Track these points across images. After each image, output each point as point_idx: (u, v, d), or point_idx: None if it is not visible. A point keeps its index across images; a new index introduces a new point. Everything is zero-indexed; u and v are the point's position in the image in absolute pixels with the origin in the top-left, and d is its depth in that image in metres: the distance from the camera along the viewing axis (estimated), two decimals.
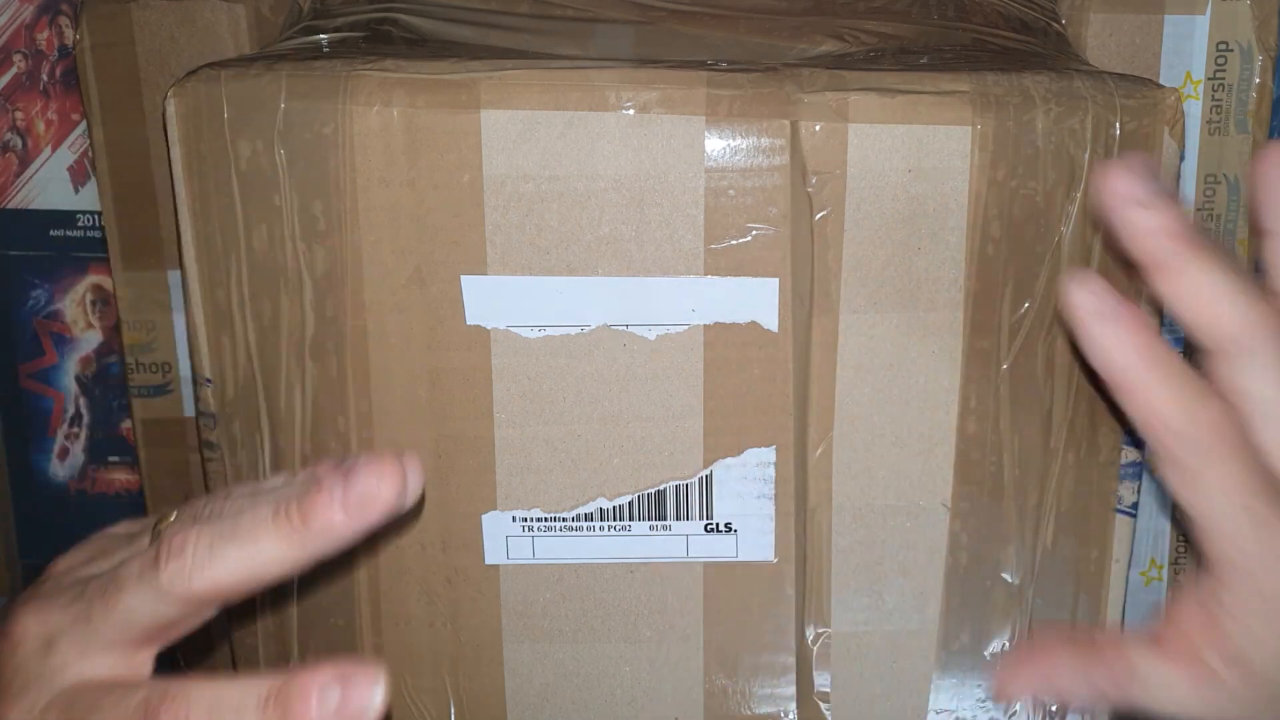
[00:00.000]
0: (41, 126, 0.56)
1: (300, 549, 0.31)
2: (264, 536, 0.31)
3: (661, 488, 0.42)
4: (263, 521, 0.31)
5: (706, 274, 0.40)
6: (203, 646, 0.56)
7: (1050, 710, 0.45)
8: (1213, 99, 0.50)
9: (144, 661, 0.32)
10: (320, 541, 0.31)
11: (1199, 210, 0.51)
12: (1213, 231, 0.52)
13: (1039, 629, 0.39)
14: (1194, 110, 0.50)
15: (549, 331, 0.40)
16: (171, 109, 0.39)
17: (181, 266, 0.40)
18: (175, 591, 0.31)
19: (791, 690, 0.45)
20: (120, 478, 0.60)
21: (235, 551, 0.31)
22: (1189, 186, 0.51)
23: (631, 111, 0.38)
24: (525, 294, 0.40)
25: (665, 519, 0.42)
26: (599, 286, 0.40)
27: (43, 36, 0.55)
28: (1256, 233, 0.33)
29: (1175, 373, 0.31)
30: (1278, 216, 0.32)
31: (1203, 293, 0.31)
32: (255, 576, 0.31)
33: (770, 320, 0.40)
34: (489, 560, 0.43)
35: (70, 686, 0.31)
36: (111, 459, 0.60)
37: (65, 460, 0.59)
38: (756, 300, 0.40)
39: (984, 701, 0.45)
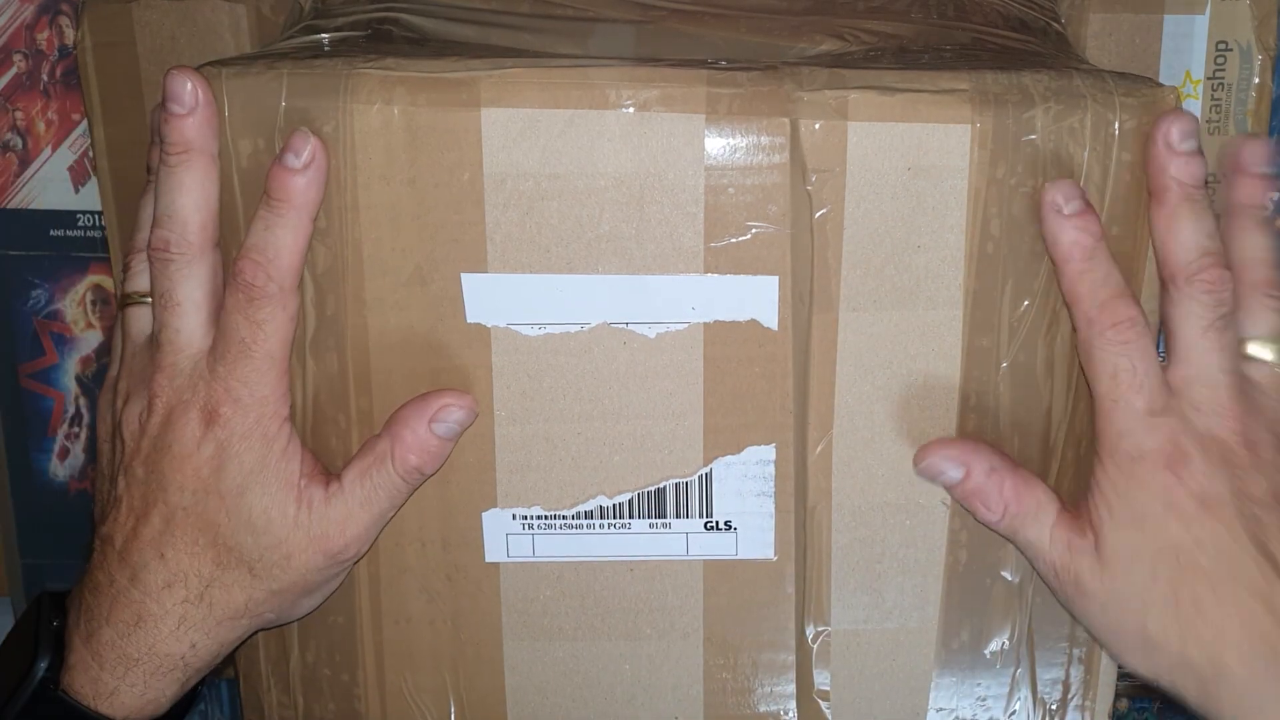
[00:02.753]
0: (41, 126, 0.56)
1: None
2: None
3: (661, 486, 0.42)
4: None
5: (706, 272, 0.40)
6: None
7: (1050, 709, 0.45)
8: (1212, 98, 0.50)
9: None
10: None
11: None
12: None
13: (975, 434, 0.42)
14: (1193, 110, 0.50)
15: (549, 329, 0.40)
16: None
17: None
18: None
19: (791, 688, 0.45)
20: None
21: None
22: None
23: (631, 110, 0.38)
24: (525, 292, 0.40)
25: (665, 517, 0.42)
26: (599, 284, 0.40)
27: (43, 36, 0.55)
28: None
29: (1100, 269, 0.38)
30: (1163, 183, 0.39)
31: (1174, 229, 0.38)
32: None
33: (770, 318, 0.40)
34: (489, 558, 0.43)
35: None
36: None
37: (65, 460, 0.59)
38: (756, 298, 0.40)
39: (984, 700, 0.45)
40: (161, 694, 0.40)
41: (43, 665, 0.39)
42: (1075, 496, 0.41)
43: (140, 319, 0.41)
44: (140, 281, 0.41)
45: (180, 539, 0.39)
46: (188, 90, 0.37)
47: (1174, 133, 0.38)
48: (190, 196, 0.38)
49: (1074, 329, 0.39)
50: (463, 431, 0.40)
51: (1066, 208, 0.38)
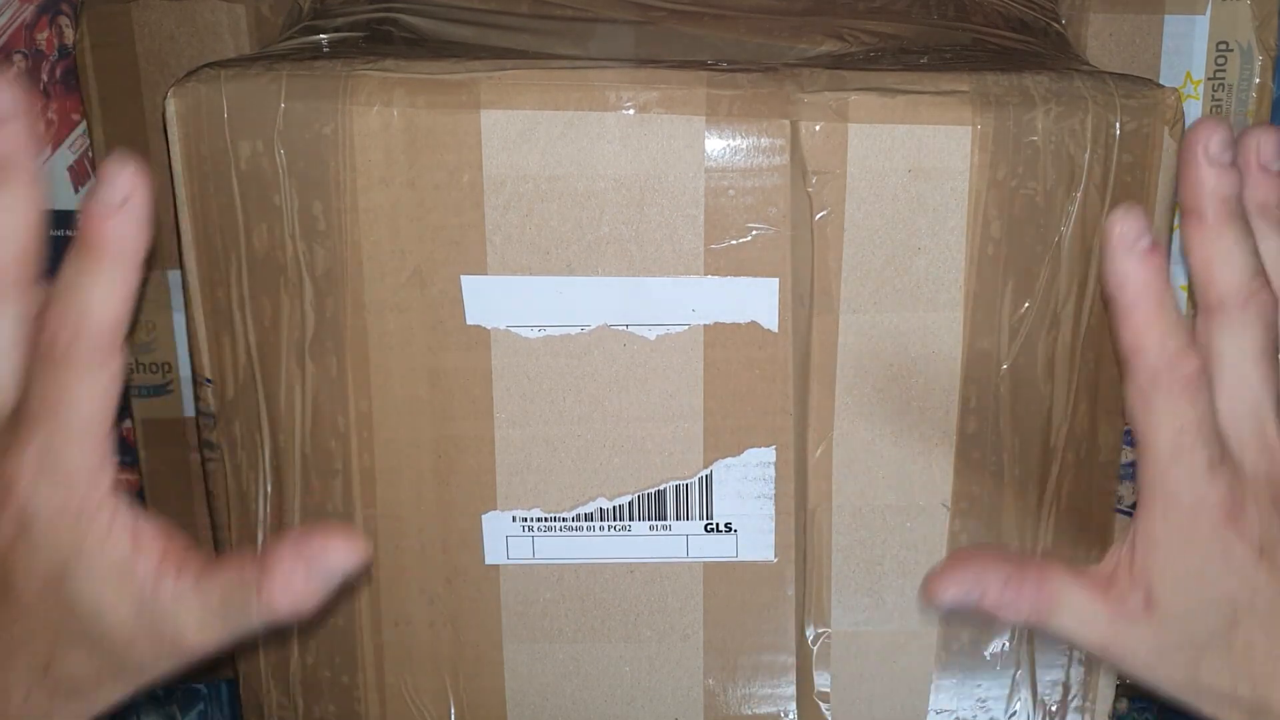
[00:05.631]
0: (41, 126, 0.56)
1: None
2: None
3: (661, 488, 0.42)
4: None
5: (707, 274, 0.40)
6: None
7: (1050, 710, 0.45)
8: (1213, 99, 0.50)
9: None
10: None
11: None
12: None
13: (971, 547, 0.39)
14: (1194, 110, 0.50)
15: (549, 331, 0.40)
16: (171, 109, 0.39)
17: (181, 266, 0.40)
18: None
19: (791, 690, 0.45)
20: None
21: None
22: None
23: (632, 111, 0.38)
24: (525, 294, 0.40)
25: (665, 519, 0.42)
26: (599, 286, 0.40)
27: (43, 36, 0.55)
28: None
29: (1170, 316, 0.34)
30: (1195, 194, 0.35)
31: (1215, 251, 0.35)
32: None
33: (770, 320, 0.40)
34: (489, 560, 0.43)
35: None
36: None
37: None
38: (756, 300, 0.40)
39: (984, 702, 0.45)
40: None
41: None
42: (1104, 548, 0.37)
43: None
44: None
45: (12, 614, 0.33)
46: (4, 100, 0.32)
47: (1214, 144, 0.34)
48: None
49: (1123, 376, 0.36)
50: (344, 579, 0.34)
51: (1139, 243, 0.34)
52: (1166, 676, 0.37)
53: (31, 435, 0.32)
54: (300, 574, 0.33)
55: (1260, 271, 0.35)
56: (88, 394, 0.32)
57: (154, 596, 0.33)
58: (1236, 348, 0.35)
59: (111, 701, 0.34)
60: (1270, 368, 0.36)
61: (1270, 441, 0.36)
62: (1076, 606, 0.36)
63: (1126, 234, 0.34)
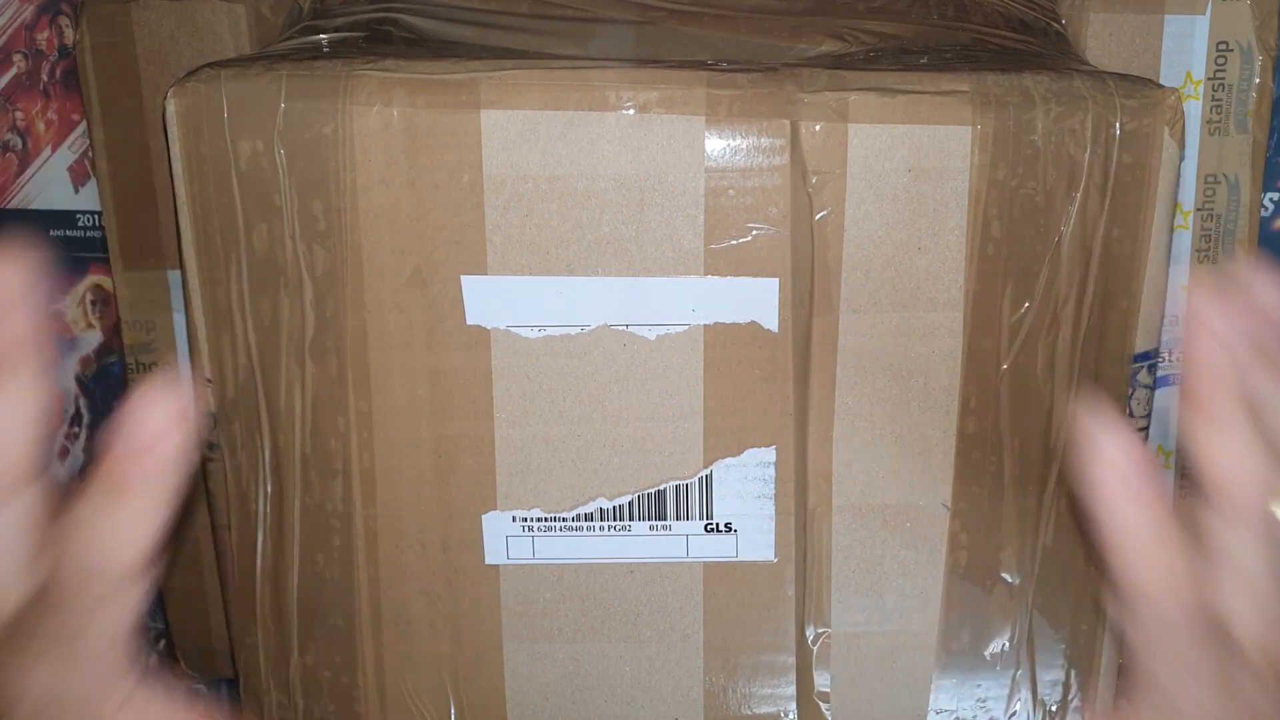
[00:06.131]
0: (41, 126, 0.56)
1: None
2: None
3: (661, 488, 0.42)
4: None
5: (706, 274, 0.40)
6: (202, 647, 0.56)
7: (1050, 710, 0.45)
8: (1213, 99, 0.50)
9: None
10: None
11: (1199, 210, 0.51)
12: (1213, 233, 0.52)
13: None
14: (1194, 110, 0.50)
15: (549, 331, 0.40)
16: (171, 109, 0.39)
17: (181, 266, 0.40)
18: None
19: (791, 690, 0.45)
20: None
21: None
22: (1189, 186, 0.51)
23: (632, 111, 0.38)
24: (525, 294, 0.40)
25: (665, 519, 0.42)
26: (599, 286, 0.40)
27: (43, 36, 0.55)
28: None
29: (1165, 548, 0.31)
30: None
31: (1225, 452, 0.30)
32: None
33: (770, 320, 0.40)
34: (489, 560, 0.43)
35: None
36: None
37: (65, 460, 0.59)
38: (756, 300, 0.40)
39: (984, 702, 0.45)
40: None
41: None
42: (1103, 550, 0.36)
43: None
44: None
45: None
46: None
47: (1217, 321, 0.30)
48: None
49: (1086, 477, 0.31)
50: None
51: (1132, 483, 0.30)
52: None
53: (43, 654, 0.29)
54: None
55: (1270, 462, 0.30)
56: (107, 624, 0.29)
57: None
58: (1244, 548, 0.31)
59: None
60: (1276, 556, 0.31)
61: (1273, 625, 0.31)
62: None
63: (1114, 462, 0.30)
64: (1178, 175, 0.41)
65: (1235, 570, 0.31)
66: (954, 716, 0.45)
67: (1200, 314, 0.30)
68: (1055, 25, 0.48)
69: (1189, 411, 0.31)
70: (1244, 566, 0.31)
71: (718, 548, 0.43)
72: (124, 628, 0.30)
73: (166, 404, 0.28)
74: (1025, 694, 0.45)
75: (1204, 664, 0.31)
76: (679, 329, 0.40)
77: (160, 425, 0.28)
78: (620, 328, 0.40)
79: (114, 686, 0.30)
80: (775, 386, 0.41)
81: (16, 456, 0.29)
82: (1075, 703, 0.45)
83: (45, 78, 0.56)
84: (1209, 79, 0.50)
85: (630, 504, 0.42)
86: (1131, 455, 0.30)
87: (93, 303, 0.57)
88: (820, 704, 0.45)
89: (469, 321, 0.40)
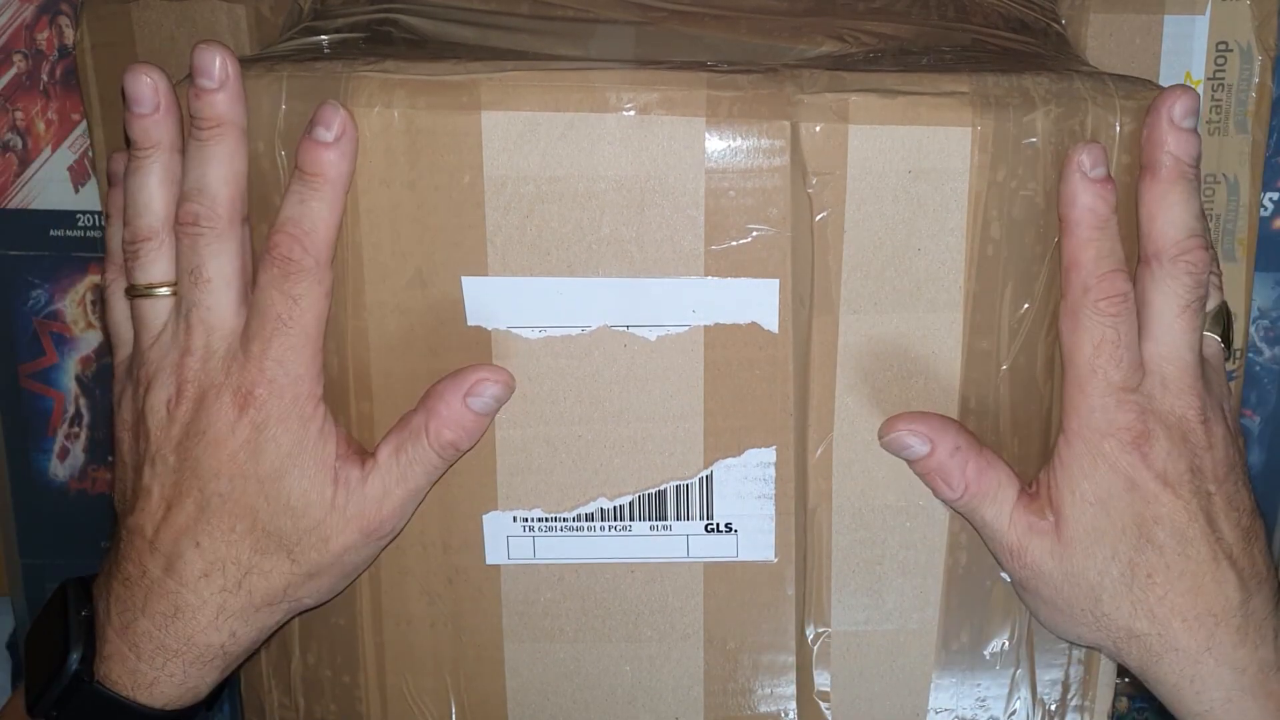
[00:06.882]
0: (41, 126, 0.56)
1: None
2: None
3: (662, 488, 0.42)
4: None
5: (707, 275, 0.40)
6: None
7: (1049, 710, 0.45)
8: (1212, 99, 0.50)
9: None
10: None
11: None
12: (1213, 233, 0.52)
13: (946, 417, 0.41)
14: None
15: (550, 332, 0.40)
16: None
17: None
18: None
19: (791, 690, 0.45)
20: None
21: None
22: None
23: (632, 113, 0.38)
24: (526, 295, 0.40)
25: (666, 519, 0.42)
26: (600, 287, 0.40)
27: (43, 36, 0.55)
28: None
29: (1108, 242, 0.38)
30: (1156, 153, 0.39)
31: (1161, 205, 0.38)
32: None
33: (770, 321, 0.40)
34: (490, 560, 0.43)
35: None
36: (111, 459, 0.60)
37: (65, 460, 0.59)
38: (757, 301, 0.40)
39: (984, 701, 0.45)
40: (201, 682, 0.39)
41: (75, 657, 0.38)
42: (1035, 474, 0.41)
43: (155, 310, 0.39)
44: (153, 271, 0.39)
45: (217, 526, 0.38)
46: (217, 64, 0.37)
47: (1178, 108, 0.38)
48: (220, 170, 0.37)
49: (1063, 295, 0.39)
50: (499, 407, 0.40)
51: (1091, 172, 0.38)
52: (1068, 603, 0.40)
53: (266, 347, 0.37)
54: (460, 405, 0.39)
55: (1198, 232, 0.38)
56: (311, 304, 0.38)
57: (349, 483, 0.39)
58: (1165, 296, 0.38)
59: (292, 614, 0.40)
60: (1194, 317, 0.39)
61: (1187, 383, 0.39)
62: (1002, 504, 0.40)
63: (1084, 161, 0.38)
64: None
65: (1158, 327, 0.39)
66: (954, 715, 0.45)
67: (1165, 99, 0.38)
68: (1055, 26, 0.48)
69: (1139, 178, 0.39)
70: (1164, 322, 0.39)
71: (718, 548, 0.43)
72: (323, 316, 0.39)
73: (343, 115, 0.37)
74: (1025, 693, 0.45)
75: (1121, 387, 0.38)
76: (679, 330, 0.40)
77: (340, 129, 0.37)
78: (621, 329, 0.40)
79: (315, 386, 0.39)
80: (775, 387, 0.41)
81: (234, 197, 0.38)
82: (1075, 702, 0.45)
83: (45, 78, 0.56)
84: (1209, 79, 0.50)
85: (631, 504, 0.42)
86: (1098, 157, 0.38)
87: (93, 303, 0.58)
88: (820, 703, 0.45)
89: (470, 323, 0.40)
